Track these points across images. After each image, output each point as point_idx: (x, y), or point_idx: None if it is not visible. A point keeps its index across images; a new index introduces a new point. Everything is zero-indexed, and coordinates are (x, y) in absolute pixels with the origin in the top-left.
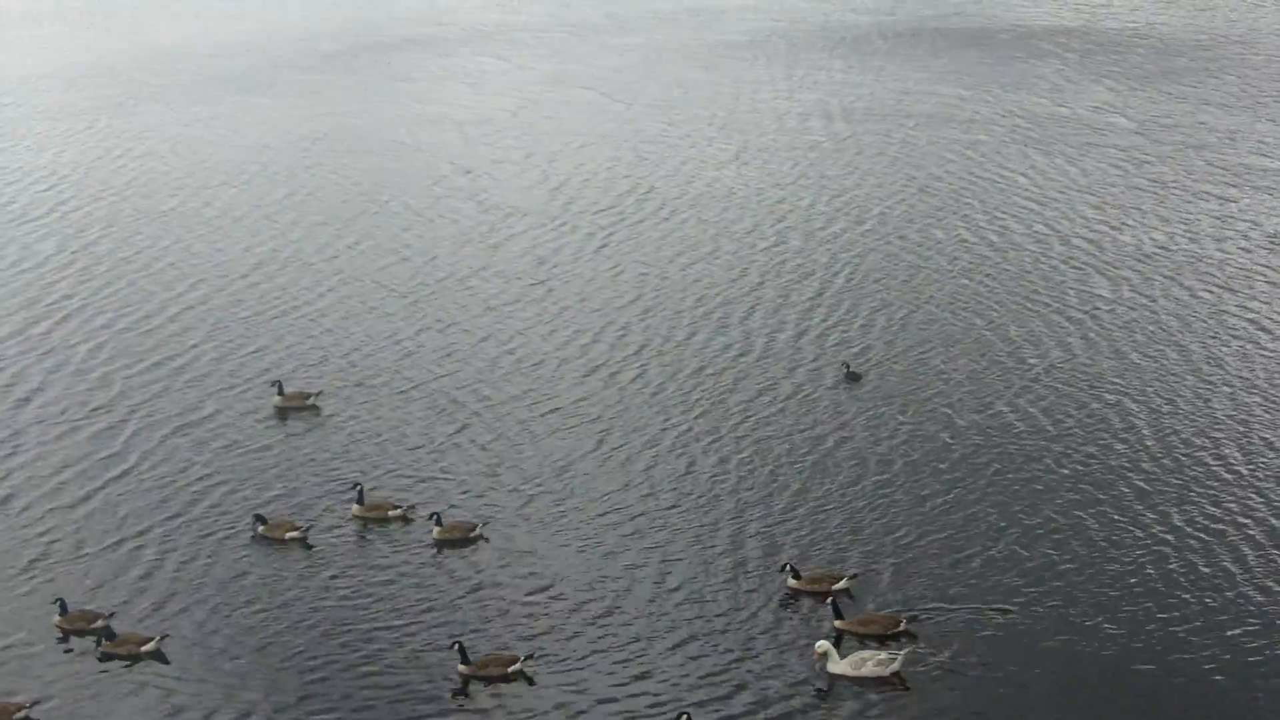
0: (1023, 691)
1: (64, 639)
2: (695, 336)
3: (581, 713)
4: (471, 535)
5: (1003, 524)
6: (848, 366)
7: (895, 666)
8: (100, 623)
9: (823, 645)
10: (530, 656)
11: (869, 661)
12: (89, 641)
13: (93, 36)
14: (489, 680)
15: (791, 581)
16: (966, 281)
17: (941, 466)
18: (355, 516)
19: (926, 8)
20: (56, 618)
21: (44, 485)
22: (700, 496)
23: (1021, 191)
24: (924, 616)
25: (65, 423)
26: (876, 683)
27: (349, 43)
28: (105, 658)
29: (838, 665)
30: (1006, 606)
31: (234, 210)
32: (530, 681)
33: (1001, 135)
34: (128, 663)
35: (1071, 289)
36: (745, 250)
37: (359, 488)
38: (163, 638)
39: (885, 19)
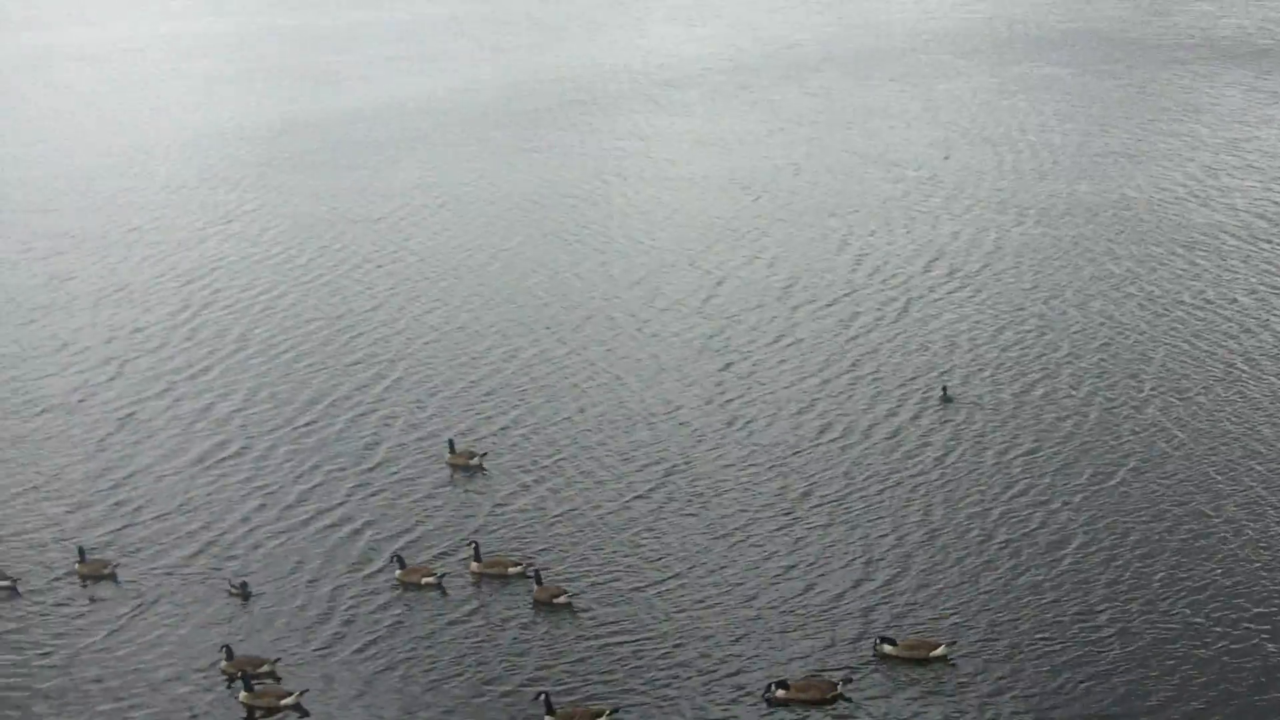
0: None
1: (229, 683)
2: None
3: None
4: (557, 601)
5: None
6: (944, 389)
7: None
8: (266, 667)
9: None
10: (615, 712)
11: None
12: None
13: (300, 95)
14: None
15: (887, 648)
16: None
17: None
18: (473, 573)
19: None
20: (223, 663)
21: (217, 525)
22: (821, 562)
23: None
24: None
25: (259, 461)
26: None
27: (558, 99)
28: (246, 710)
29: None
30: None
31: (489, 267)
32: None
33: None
34: (267, 716)
35: None
36: (1053, 323)
37: (475, 545)
38: (303, 693)
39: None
